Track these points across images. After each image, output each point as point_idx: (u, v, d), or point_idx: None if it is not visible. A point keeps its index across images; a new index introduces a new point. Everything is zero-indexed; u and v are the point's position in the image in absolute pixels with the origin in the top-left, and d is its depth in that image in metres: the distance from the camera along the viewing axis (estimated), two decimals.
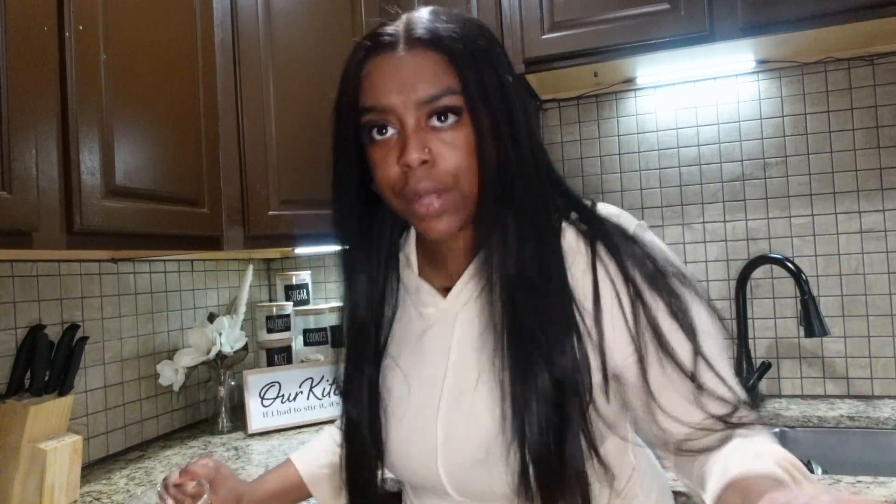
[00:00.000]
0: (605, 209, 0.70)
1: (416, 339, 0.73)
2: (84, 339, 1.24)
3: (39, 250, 0.97)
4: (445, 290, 0.72)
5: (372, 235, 0.74)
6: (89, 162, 1.03)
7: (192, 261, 1.77)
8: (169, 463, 1.40)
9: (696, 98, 1.73)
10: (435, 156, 0.63)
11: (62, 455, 1.14)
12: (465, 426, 0.67)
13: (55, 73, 0.99)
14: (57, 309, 1.35)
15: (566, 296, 0.65)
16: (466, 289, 0.71)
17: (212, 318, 1.70)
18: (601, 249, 0.66)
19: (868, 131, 1.61)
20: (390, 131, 0.65)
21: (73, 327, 1.22)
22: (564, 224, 0.68)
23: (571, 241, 0.67)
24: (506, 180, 0.64)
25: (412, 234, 0.77)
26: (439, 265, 0.74)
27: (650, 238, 0.68)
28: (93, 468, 1.39)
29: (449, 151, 0.63)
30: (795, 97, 1.66)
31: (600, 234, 0.66)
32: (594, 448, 0.63)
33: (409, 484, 0.77)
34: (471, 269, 0.70)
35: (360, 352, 0.74)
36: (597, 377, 0.64)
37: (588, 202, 0.70)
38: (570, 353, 0.62)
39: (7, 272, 1.26)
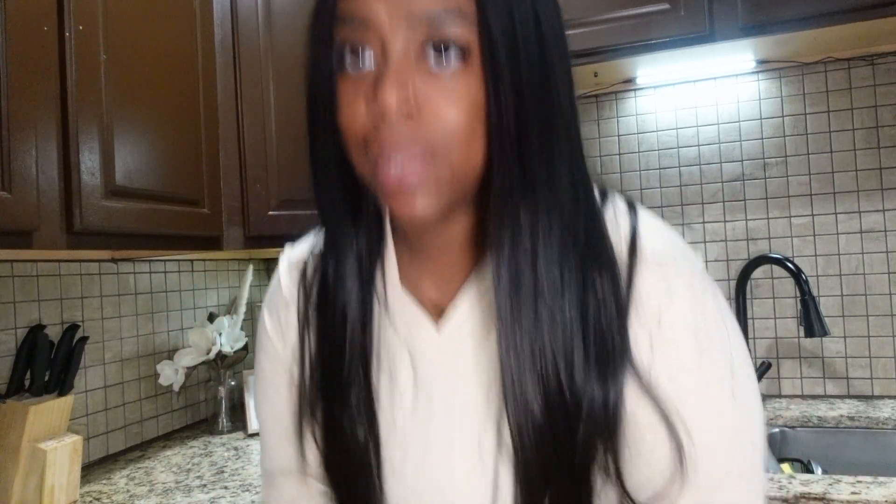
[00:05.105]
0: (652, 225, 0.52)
1: (401, 385, 0.54)
2: (84, 339, 1.24)
3: (39, 250, 0.97)
4: (438, 311, 0.53)
5: (358, 222, 0.53)
6: (89, 162, 1.03)
7: (192, 261, 1.77)
8: (169, 463, 1.40)
9: (696, 98, 1.73)
10: (423, 106, 0.44)
11: (62, 455, 1.14)
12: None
13: (55, 73, 0.99)
14: (57, 309, 1.35)
15: (615, 312, 0.48)
16: (468, 316, 0.52)
17: (212, 318, 1.70)
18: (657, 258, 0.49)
19: (868, 131, 1.60)
20: (367, 59, 0.45)
21: (73, 327, 1.22)
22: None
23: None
24: (528, 158, 0.46)
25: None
26: (430, 268, 0.54)
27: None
28: (93, 468, 1.39)
29: (444, 103, 0.44)
30: (795, 97, 1.66)
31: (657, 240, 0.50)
32: None
33: None
34: (472, 284, 0.51)
35: (342, 387, 0.54)
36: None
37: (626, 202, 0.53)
38: (612, 401, 0.47)
39: (7, 272, 1.26)
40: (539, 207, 0.47)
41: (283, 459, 0.61)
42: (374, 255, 0.54)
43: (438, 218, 0.47)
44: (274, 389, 0.61)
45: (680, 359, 0.48)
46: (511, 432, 0.47)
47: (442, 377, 0.52)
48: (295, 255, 0.61)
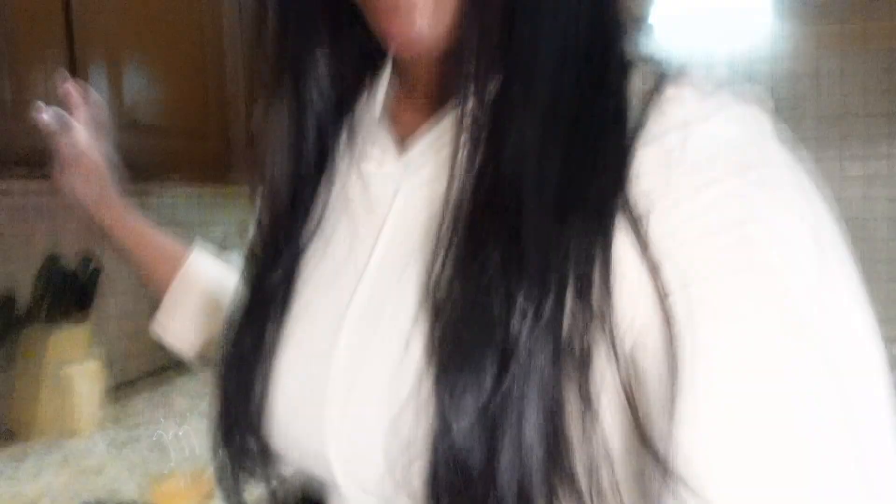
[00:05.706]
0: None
1: (336, 216, 0.46)
2: (98, 270, 1.28)
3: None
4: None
5: (345, 56, 0.47)
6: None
7: (199, 196, 1.78)
8: (186, 388, 1.46)
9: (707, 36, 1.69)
10: None
11: (83, 380, 1.19)
12: (370, 372, 0.39)
13: (60, 9, 0.98)
14: (74, 240, 1.38)
15: (611, 178, 0.33)
16: (431, 148, 0.42)
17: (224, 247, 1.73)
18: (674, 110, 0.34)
19: None
20: None
21: (89, 258, 1.25)
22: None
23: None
24: None
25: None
26: (415, 104, 0.46)
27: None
28: (112, 393, 1.45)
29: None
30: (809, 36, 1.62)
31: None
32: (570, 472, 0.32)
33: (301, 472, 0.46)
34: (447, 119, 0.41)
35: (277, 237, 0.47)
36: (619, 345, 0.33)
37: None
38: (587, 286, 0.32)
39: (23, 203, 1.28)
40: (521, 31, 0.36)
41: None
42: (360, 88, 0.49)
43: (432, 46, 0.39)
44: None
45: (698, 201, 0.32)
46: (436, 271, 0.36)
47: (380, 210, 0.44)
48: None
